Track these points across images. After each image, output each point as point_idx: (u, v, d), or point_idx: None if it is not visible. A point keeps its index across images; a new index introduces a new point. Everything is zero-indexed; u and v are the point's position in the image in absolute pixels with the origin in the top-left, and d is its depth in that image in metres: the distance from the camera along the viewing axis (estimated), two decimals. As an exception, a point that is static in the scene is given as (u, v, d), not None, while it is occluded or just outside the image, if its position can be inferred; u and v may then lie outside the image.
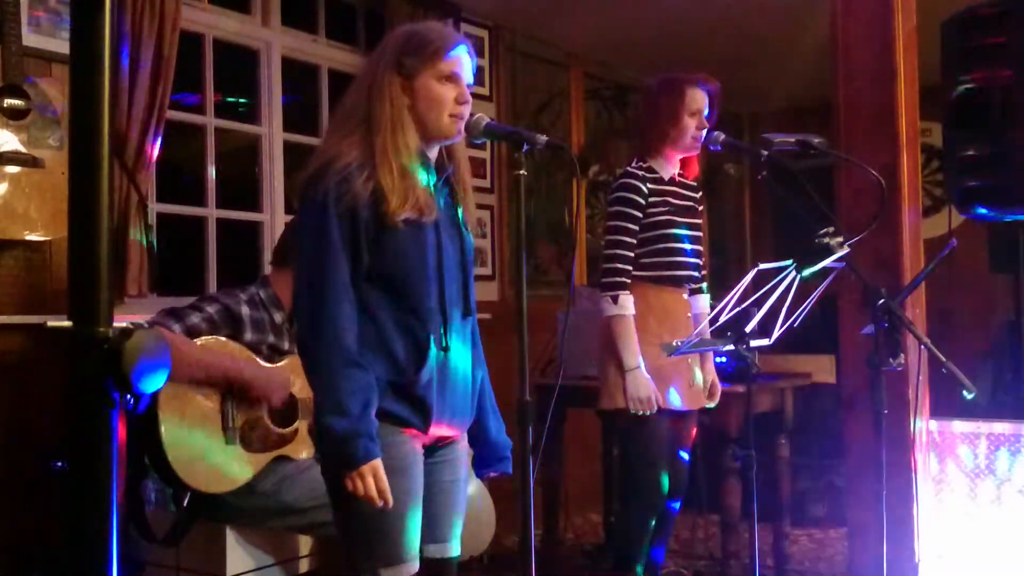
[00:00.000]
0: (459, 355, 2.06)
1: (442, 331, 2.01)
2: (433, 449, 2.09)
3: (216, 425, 2.72)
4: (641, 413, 2.98)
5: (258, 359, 2.83)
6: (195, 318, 2.76)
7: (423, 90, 2.01)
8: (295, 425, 2.86)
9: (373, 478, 1.89)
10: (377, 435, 1.91)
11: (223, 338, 2.78)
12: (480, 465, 2.22)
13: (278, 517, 2.79)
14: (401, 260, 1.97)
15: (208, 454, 2.69)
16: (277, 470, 2.79)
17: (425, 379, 1.97)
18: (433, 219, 1.99)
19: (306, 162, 2.05)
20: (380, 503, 1.90)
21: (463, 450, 2.17)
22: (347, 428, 1.88)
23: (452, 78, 2.02)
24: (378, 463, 1.90)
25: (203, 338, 2.74)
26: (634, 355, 2.98)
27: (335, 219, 1.93)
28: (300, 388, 2.89)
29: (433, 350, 1.98)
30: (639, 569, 3.13)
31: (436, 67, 2.01)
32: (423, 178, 2.00)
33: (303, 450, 2.88)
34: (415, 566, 2.00)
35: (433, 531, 2.09)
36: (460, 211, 2.12)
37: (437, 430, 2.04)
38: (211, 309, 2.80)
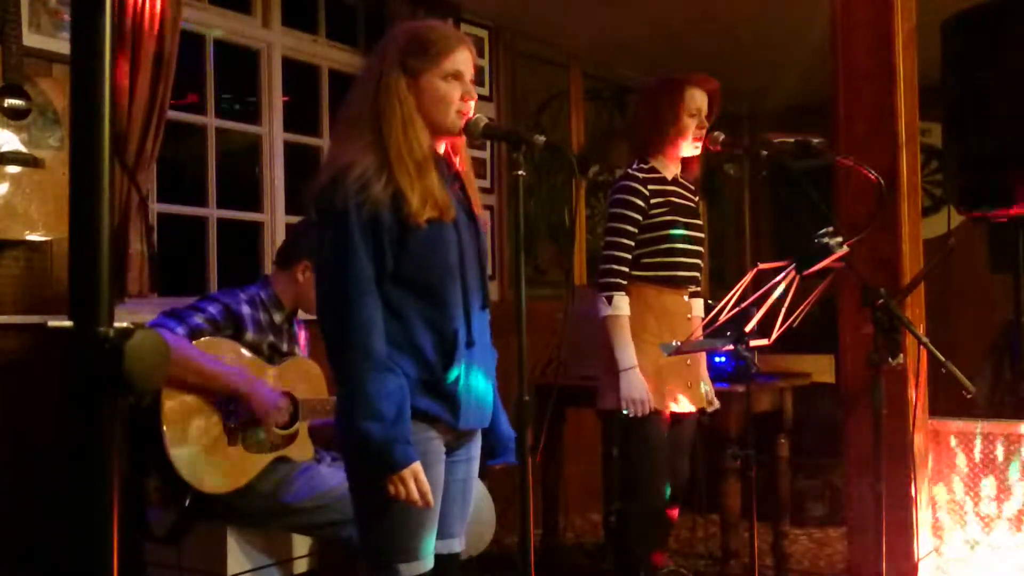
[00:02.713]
0: (481, 349, 2.07)
1: (466, 326, 2.02)
2: (453, 447, 2.09)
3: (218, 425, 2.72)
4: (634, 414, 2.96)
5: (260, 360, 2.83)
6: (197, 319, 2.75)
7: (429, 89, 2.01)
8: (296, 427, 2.86)
9: (414, 481, 1.90)
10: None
11: (225, 339, 2.79)
12: (489, 455, 2.23)
13: (278, 517, 2.79)
14: (426, 260, 1.97)
15: (209, 454, 2.69)
16: (277, 471, 2.79)
17: (454, 375, 1.99)
18: (453, 216, 2.00)
19: (317, 172, 2.04)
20: (422, 504, 1.91)
21: (478, 449, 2.18)
22: (385, 433, 1.87)
23: (456, 76, 2.02)
24: (418, 466, 1.91)
25: (205, 339, 2.74)
26: (629, 355, 2.95)
27: (357, 226, 1.92)
28: (301, 390, 2.89)
29: (461, 346, 1.99)
30: (640, 571, 3.12)
31: (441, 66, 2.01)
32: (438, 176, 2.00)
33: (304, 451, 2.88)
34: (430, 563, 2.02)
35: (442, 528, 2.09)
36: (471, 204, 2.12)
37: (466, 424, 2.05)
38: (212, 309, 2.80)
